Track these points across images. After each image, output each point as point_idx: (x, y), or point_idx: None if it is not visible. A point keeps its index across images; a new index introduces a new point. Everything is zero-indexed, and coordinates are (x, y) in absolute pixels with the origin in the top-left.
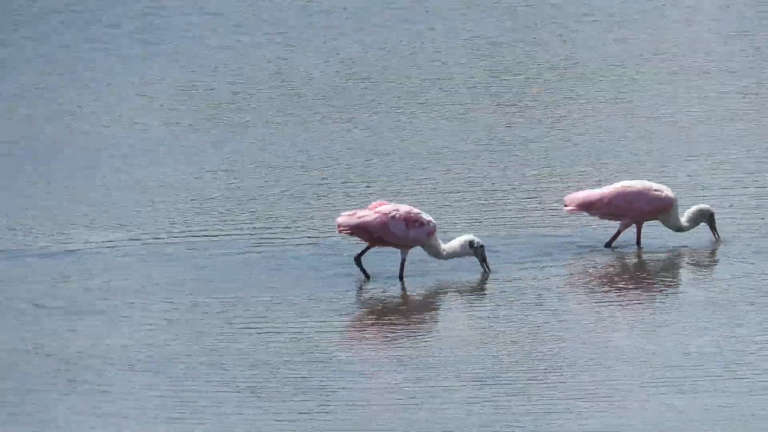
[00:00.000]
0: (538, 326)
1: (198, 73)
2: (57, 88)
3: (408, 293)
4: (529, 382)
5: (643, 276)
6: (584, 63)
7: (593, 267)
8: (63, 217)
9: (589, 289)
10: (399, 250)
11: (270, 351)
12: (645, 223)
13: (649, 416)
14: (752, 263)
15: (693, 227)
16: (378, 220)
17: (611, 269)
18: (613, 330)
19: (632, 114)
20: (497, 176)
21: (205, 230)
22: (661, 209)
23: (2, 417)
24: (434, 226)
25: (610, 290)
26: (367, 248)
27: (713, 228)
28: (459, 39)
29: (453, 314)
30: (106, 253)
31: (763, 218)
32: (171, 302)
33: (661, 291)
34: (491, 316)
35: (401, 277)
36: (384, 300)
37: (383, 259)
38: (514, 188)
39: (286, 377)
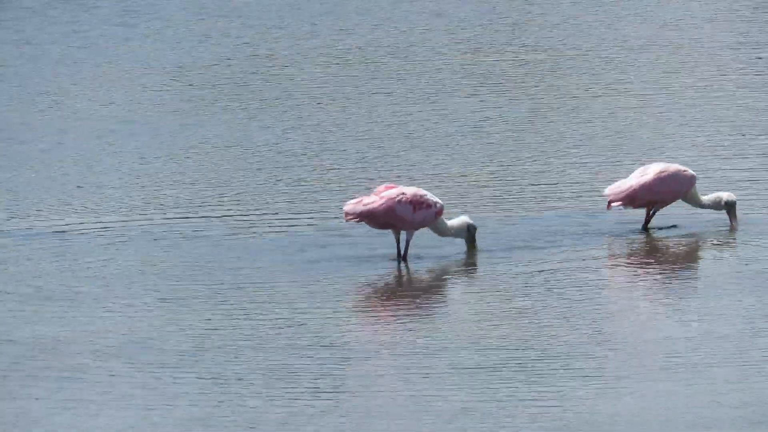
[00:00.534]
0: (537, 311)
1: (179, 56)
2: (30, 68)
3: (412, 275)
4: (520, 369)
5: (647, 260)
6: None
7: (596, 250)
8: (34, 200)
9: (592, 273)
10: (404, 232)
11: (255, 338)
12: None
13: (641, 403)
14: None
15: (713, 209)
16: (384, 205)
17: (618, 252)
18: (615, 316)
19: (622, 97)
20: (493, 157)
21: (182, 215)
22: (690, 188)
23: None
24: (441, 206)
25: (615, 274)
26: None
27: (733, 215)
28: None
29: (455, 299)
30: (78, 237)
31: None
32: (145, 287)
33: (665, 275)
34: (493, 300)
35: (405, 259)
36: (382, 283)
37: (379, 241)
38: (508, 170)
39: (270, 364)
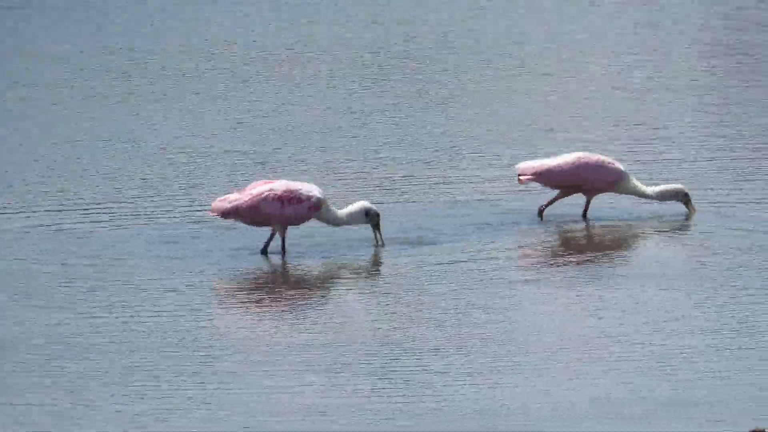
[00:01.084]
0: (434, 305)
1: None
2: None
3: (288, 271)
4: (402, 365)
5: (560, 250)
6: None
7: (496, 243)
8: None
9: (488, 266)
10: (278, 227)
11: (135, 333)
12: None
13: (521, 396)
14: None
15: (661, 200)
16: (249, 203)
17: (522, 244)
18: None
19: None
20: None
21: (82, 208)
22: (619, 181)
23: None
24: (317, 199)
25: (515, 267)
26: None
27: (688, 205)
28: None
29: (343, 293)
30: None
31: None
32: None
33: (576, 265)
34: (383, 293)
35: (266, 253)
36: (252, 278)
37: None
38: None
39: (154, 361)
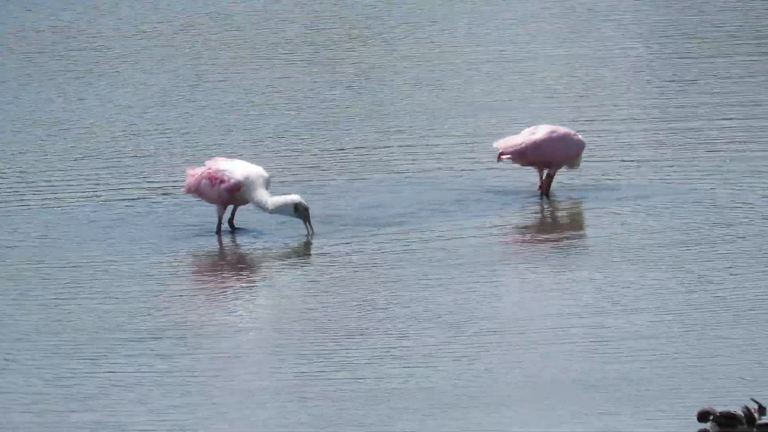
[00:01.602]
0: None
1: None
2: None
3: (226, 253)
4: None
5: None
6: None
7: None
8: None
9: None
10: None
11: (87, 317)
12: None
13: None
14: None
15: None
16: (190, 182)
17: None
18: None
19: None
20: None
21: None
22: (580, 153)
23: None
24: (236, 182)
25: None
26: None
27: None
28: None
29: (277, 277)
30: None
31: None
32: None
33: (531, 244)
34: (316, 280)
35: (218, 233)
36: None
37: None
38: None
39: (83, 342)
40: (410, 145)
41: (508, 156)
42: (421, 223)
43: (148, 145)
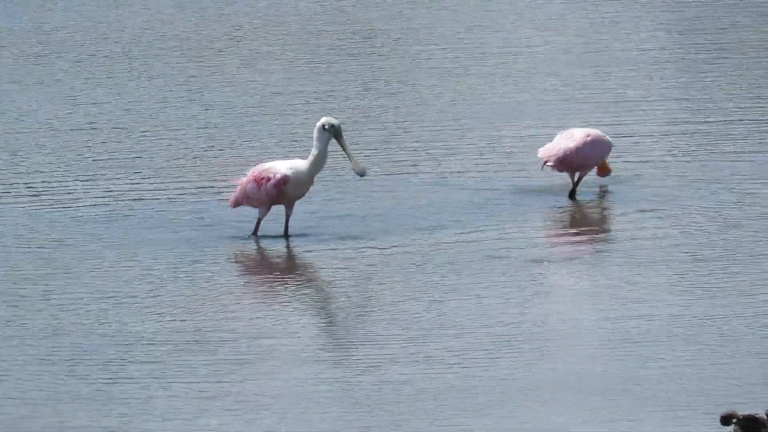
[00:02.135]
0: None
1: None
2: None
3: (260, 257)
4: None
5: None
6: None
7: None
8: None
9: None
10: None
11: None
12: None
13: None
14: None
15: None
16: (236, 194)
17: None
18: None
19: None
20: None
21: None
22: (608, 155)
23: None
24: (283, 176)
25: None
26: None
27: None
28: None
29: (301, 281)
30: None
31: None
32: None
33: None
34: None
35: (255, 234)
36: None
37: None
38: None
39: (69, 348)
40: (431, 147)
41: (552, 164)
42: (445, 227)
43: (154, 146)
